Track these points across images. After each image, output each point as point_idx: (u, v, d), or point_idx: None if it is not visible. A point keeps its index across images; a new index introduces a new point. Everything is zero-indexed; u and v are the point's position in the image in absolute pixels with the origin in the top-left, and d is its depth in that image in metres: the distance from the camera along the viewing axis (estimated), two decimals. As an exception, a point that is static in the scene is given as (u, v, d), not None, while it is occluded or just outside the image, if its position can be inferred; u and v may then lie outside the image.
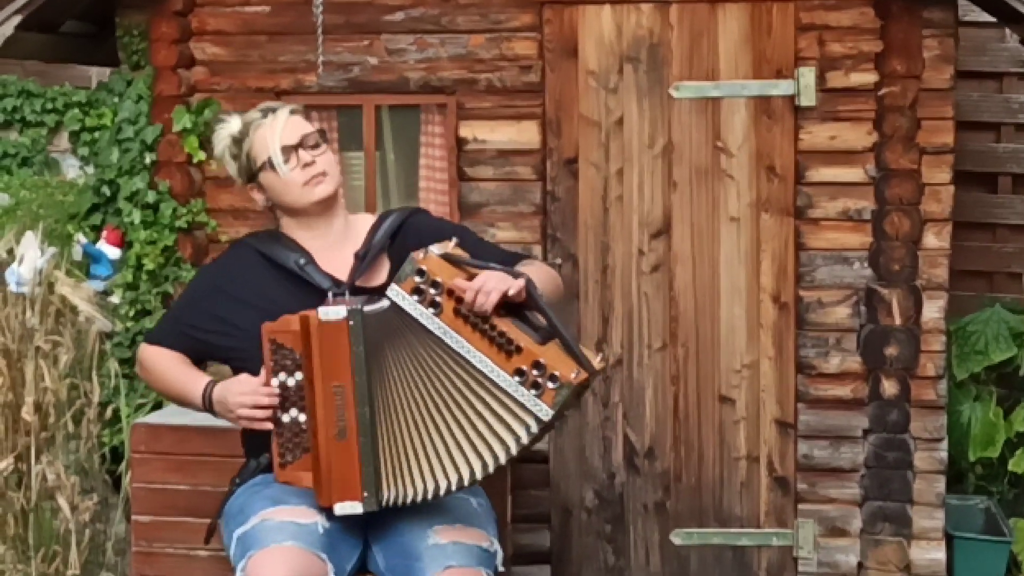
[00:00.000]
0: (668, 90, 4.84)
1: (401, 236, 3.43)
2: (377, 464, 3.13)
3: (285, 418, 3.23)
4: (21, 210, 5.18)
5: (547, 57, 4.88)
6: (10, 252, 4.79)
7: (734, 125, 4.83)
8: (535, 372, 3.02)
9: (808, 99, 4.77)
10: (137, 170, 4.99)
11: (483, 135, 4.92)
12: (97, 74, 5.85)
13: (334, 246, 3.41)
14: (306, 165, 3.35)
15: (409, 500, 3.13)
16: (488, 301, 3.05)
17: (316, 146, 3.38)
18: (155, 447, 4.27)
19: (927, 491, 4.86)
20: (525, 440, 3.04)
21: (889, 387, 4.82)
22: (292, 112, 3.41)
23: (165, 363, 3.47)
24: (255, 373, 3.27)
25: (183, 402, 3.48)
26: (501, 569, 3.31)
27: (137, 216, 4.94)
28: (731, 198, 4.86)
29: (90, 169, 5.26)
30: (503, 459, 3.06)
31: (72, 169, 5.59)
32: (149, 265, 4.95)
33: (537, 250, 4.91)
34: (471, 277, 3.11)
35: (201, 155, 4.95)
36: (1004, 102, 6.14)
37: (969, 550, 4.99)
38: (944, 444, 4.87)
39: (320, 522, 3.17)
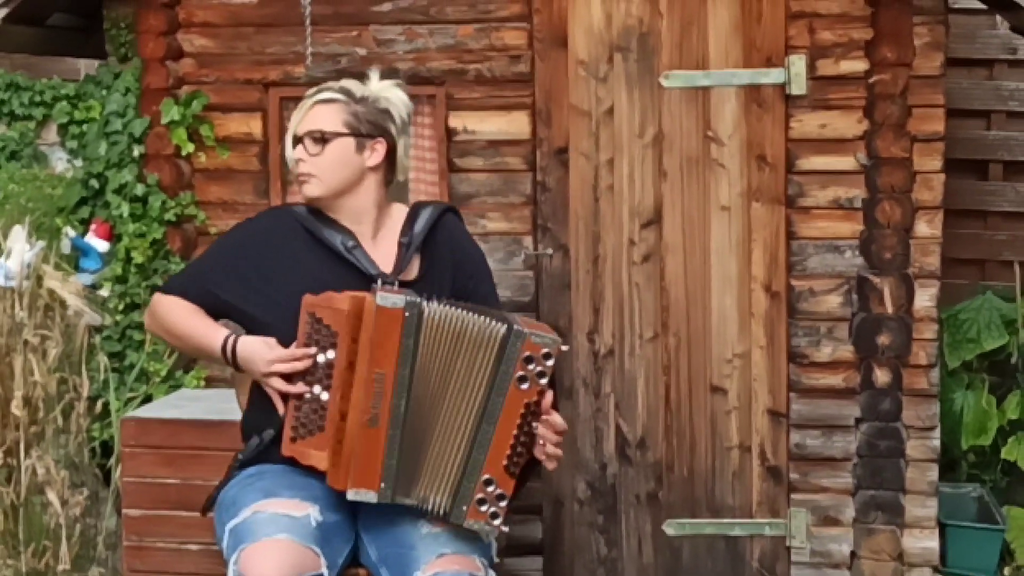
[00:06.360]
0: (658, 79, 4.83)
1: (432, 235, 3.44)
2: (401, 459, 3.12)
3: (307, 394, 3.20)
4: (9, 204, 5.14)
5: (537, 47, 4.87)
6: (-2, 246, 4.77)
7: (724, 114, 4.82)
8: (495, 496, 3.14)
9: (799, 87, 4.76)
10: (125, 163, 4.97)
11: (473, 125, 4.90)
12: (85, 67, 5.81)
13: (372, 234, 3.41)
14: (298, 161, 3.39)
15: (418, 505, 3.15)
16: (546, 449, 3.20)
17: (318, 142, 3.36)
18: (145, 441, 4.26)
19: (920, 480, 4.86)
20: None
21: (881, 376, 4.82)
22: (323, 102, 3.40)
23: (180, 311, 3.41)
24: (280, 343, 3.26)
25: (195, 349, 3.46)
26: (496, 560, 3.31)
27: (126, 209, 4.92)
28: (722, 187, 4.85)
29: (78, 162, 5.23)
30: None
31: (60, 162, 5.54)
32: (138, 258, 4.92)
33: (528, 241, 4.90)
34: (556, 395, 3.21)
35: (190, 147, 4.93)
36: (994, 89, 6.13)
37: (962, 538, 4.99)
38: (936, 432, 4.87)
39: (313, 515, 3.15)
